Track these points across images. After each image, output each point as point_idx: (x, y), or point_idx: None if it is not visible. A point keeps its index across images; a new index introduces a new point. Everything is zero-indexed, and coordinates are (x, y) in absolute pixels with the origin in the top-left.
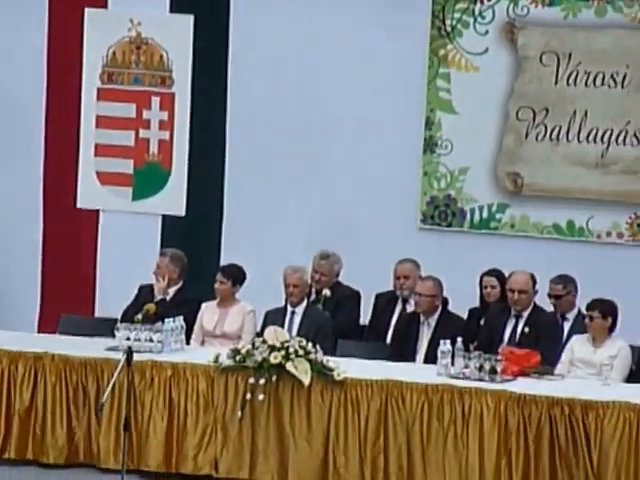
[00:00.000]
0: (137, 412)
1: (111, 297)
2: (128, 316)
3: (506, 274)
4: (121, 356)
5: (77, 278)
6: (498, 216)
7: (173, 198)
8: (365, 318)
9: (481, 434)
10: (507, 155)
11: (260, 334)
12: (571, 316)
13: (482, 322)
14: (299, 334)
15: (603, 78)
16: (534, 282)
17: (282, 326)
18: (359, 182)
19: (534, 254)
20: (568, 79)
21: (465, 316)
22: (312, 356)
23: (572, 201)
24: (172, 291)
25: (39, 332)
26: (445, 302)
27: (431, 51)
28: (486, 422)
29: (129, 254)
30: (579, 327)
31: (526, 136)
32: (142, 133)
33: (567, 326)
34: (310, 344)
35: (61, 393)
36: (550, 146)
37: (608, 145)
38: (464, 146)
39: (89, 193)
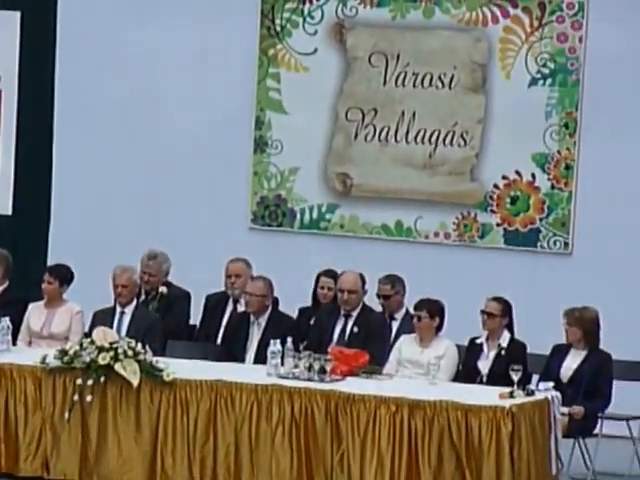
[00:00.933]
0: None
1: None
2: None
3: None
4: None
5: None
6: (328, 216)
7: None
8: (195, 318)
9: (312, 434)
10: (336, 156)
11: (88, 335)
12: (399, 316)
13: (312, 322)
14: (128, 335)
15: (431, 79)
16: (363, 282)
17: (111, 327)
18: (190, 182)
19: (363, 254)
20: (396, 80)
21: (295, 316)
22: (141, 357)
23: (400, 202)
24: None
25: None
26: (275, 302)
27: (261, 51)
28: (317, 422)
29: None
30: (407, 327)
31: (355, 137)
32: None
33: (395, 326)
34: (139, 345)
35: None
36: (379, 147)
37: (436, 146)
38: (294, 146)
39: None
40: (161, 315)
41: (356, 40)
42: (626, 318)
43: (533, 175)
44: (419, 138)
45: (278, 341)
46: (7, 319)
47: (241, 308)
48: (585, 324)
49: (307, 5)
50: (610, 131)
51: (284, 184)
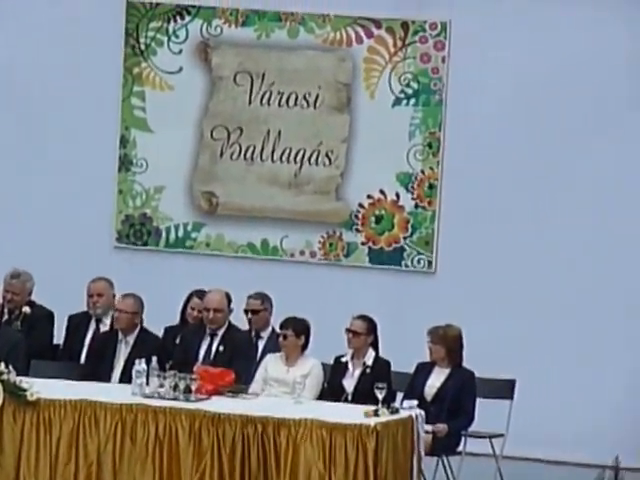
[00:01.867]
0: None
1: None
2: None
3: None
4: None
5: None
6: (194, 235)
7: None
8: (58, 338)
9: (175, 454)
10: (202, 174)
11: None
12: (265, 334)
13: (178, 341)
14: None
15: (296, 98)
16: (229, 301)
17: None
18: (54, 200)
19: (230, 273)
20: (262, 99)
21: (161, 335)
22: (4, 377)
23: (266, 220)
24: None
25: None
26: (141, 321)
27: (125, 69)
28: (181, 441)
29: None
30: (273, 345)
31: (221, 155)
32: None
33: (261, 344)
34: (2, 364)
35: None
36: (245, 165)
37: (301, 165)
38: (159, 165)
39: None
40: (24, 334)
41: (221, 59)
42: (489, 336)
43: (397, 194)
44: (284, 157)
45: (143, 360)
46: None
47: (104, 327)
48: (449, 342)
49: (172, 24)
50: (473, 151)
51: (149, 202)
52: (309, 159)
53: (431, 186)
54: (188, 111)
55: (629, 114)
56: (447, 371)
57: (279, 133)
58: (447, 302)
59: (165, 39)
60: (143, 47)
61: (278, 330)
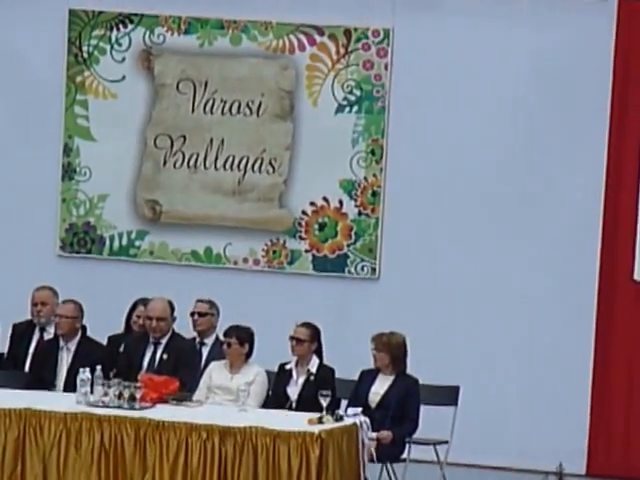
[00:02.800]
0: None
1: None
2: None
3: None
4: None
5: None
6: (137, 243)
7: None
8: (3, 347)
9: (121, 462)
10: (145, 182)
11: None
12: (209, 342)
13: (122, 349)
14: None
15: (239, 106)
16: (172, 309)
17: None
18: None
19: (173, 281)
20: (205, 107)
21: (104, 343)
22: None
23: (210, 228)
24: None
25: None
26: (84, 329)
27: (68, 78)
28: (126, 450)
29: None
30: (217, 353)
31: (164, 163)
32: None
33: (205, 352)
34: None
35: None
36: (188, 174)
37: (245, 173)
38: (103, 173)
39: None
40: None
41: (164, 67)
42: (432, 343)
43: (340, 202)
44: (228, 165)
45: (87, 369)
46: None
47: (48, 336)
48: (393, 349)
49: (114, 32)
50: (416, 158)
51: (93, 211)
52: (252, 167)
53: (374, 193)
54: (131, 119)
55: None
56: (391, 378)
57: (222, 141)
58: (391, 309)
59: (108, 47)
60: (86, 55)
61: (222, 338)
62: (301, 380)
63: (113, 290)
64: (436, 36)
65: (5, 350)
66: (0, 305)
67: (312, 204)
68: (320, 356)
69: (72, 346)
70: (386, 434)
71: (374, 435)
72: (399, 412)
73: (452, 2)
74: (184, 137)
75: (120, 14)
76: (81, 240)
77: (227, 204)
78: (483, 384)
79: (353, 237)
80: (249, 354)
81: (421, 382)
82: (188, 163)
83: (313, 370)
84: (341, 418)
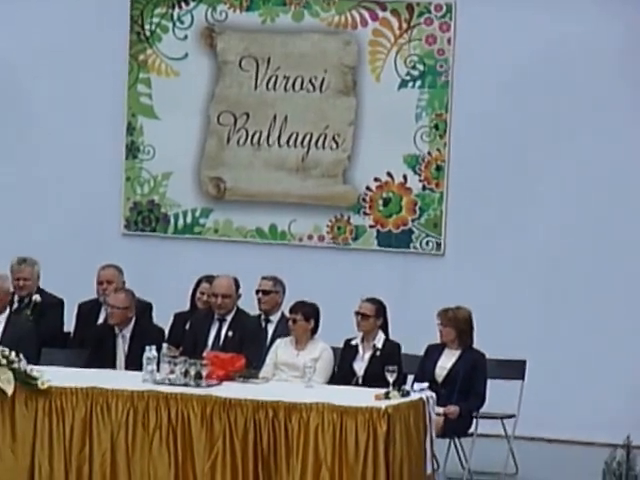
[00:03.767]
0: None
1: None
2: None
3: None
4: None
5: None
6: (202, 221)
7: None
8: (69, 325)
9: (188, 440)
10: (209, 160)
11: None
12: (275, 319)
13: (187, 326)
14: (1, 343)
15: (302, 82)
16: (237, 286)
17: None
18: (62, 188)
19: (238, 258)
20: (267, 84)
21: (170, 321)
22: (15, 365)
23: (274, 205)
24: None
25: None
26: (149, 307)
27: (131, 56)
28: (193, 428)
29: None
30: (282, 330)
31: (228, 141)
32: None
33: (271, 329)
34: (13, 353)
35: None
36: (252, 151)
37: (308, 149)
38: (167, 151)
39: None
40: (34, 323)
41: (226, 44)
42: (498, 317)
43: (405, 177)
44: (291, 141)
45: (154, 347)
46: None
47: None
48: (458, 324)
49: (177, 10)
50: (479, 131)
51: (157, 189)
52: (316, 143)
53: (438, 168)
54: (194, 97)
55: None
56: (457, 353)
57: (285, 118)
58: (456, 284)
59: (170, 25)
60: (148, 34)
61: (287, 314)
62: (367, 356)
63: (178, 268)
64: (498, 10)
65: (71, 329)
66: (66, 284)
67: (376, 180)
68: (386, 331)
69: (127, 333)
70: (453, 409)
71: (441, 410)
72: (466, 387)
73: None
74: (247, 114)
75: None
76: (145, 218)
77: (291, 181)
78: (549, 357)
79: (417, 212)
80: (315, 330)
81: (487, 356)
82: (252, 140)
83: (379, 345)
84: (408, 393)
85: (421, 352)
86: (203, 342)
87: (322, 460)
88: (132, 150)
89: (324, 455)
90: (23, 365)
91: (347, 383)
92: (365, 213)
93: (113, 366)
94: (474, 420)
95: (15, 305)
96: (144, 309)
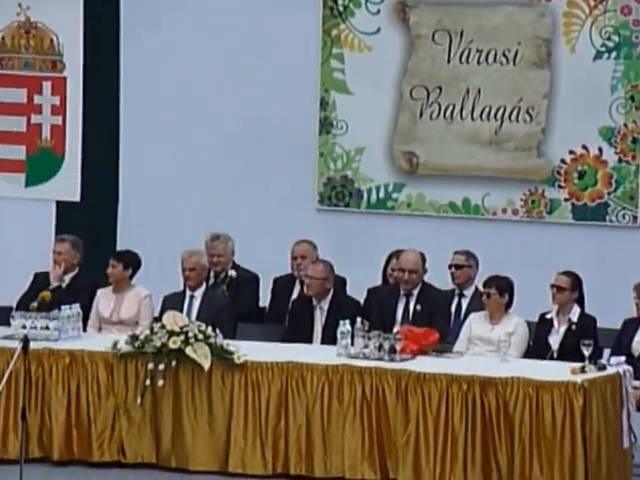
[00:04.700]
0: (36, 401)
1: (6, 285)
2: (23, 304)
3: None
4: (17, 344)
5: None
6: (395, 195)
7: (67, 183)
8: (264, 300)
9: (383, 414)
10: (402, 134)
11: (158, 319)
12: (468, 293)
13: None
14: (198, 318)
15: (495, 55)
16: (424, 261)
17: (181, 311)
18: (256, 164)
19: (431, 233)
20: (460, 57)
21: (364, 296)
22: (212, 340)
23: (467, 179)
24: (68, 278)
25: None
26: (343, 282)
27: (324, 32)
28: (388, 402)
29: (24, 241)
30: (476, 304)
31: (420, 115)
32: (34, 119)
33: (465, 303)
34: (209, 328)
35: None
36: (444, 124)
37: (501, 122)
38: (359, 126)
39: None
40: (230, 298)
41: (419, 18)
42: None
43: (600, 149)
44: (484, 115)
45: (347, 321)
46: (77, 306)
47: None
48: None
49: None
50: None
51: (350, 164)
52: (509, 116)
53: (634, 140)
54: (387, 71)
55: None
56: None
57: (479, 91)
58: None
59: (363, 0)
60: (341, 9)
61: (481, 289)
62: (562, 329)
63: (370, 243)
64: None
65: (266, 304)
66: (261, 259)
67: (571, 152)
68: (582, 305)
69: (325, 305)
70: None
71: (638, 384)
72: None
73: None
74: (440, 88)
75: None
76: (339, 194)
77: (484, 154)
78: None
79: (613, 185)
80: (509, 304)
81: None
82: (444, 114)
83: (574, 319)
84: (604, 367)
85: (617, 326)
86: (392, 317)
87: (518, 434)
88: (325, 125)
89: (520, 429)
90: (219, 340)
91: (542, 357)
92: (560, 186)
93: (310, 339)
94: None
95: (211, 281)
96: (339, 284)
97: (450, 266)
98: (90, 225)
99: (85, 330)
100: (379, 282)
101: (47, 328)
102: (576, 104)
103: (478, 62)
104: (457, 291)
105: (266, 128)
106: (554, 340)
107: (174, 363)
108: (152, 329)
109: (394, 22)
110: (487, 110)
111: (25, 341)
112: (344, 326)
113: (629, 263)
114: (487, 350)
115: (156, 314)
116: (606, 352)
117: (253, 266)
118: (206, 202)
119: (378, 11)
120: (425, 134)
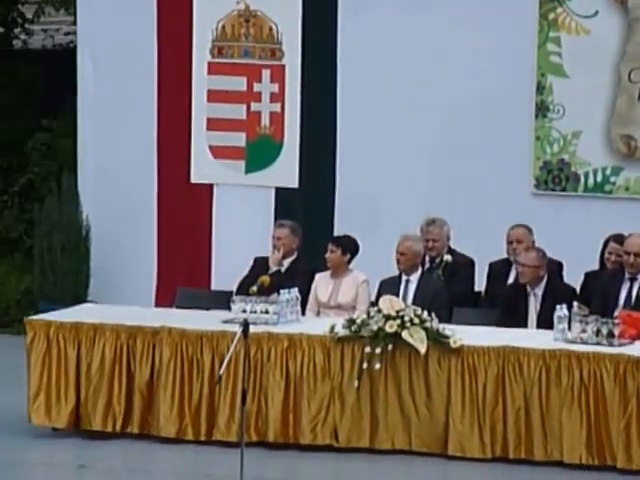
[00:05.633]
0: (254, 384)
1: (226, 270)
2: (243, 288)
3: None
4: (237, 328)
5: (193, 251)
6: (612, 179)
7: (286, 170)
8: (479, 285)
9: (601, 398)
10: (620, 118)
11: (375, 303)
12: None
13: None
14: (414, 302)
15: None
16: None
17: (397, 295)
18: (472, 148)
19: None
20: None
21: (581, 280)
22: (427, 324)
23: None
24: (287, 263)
25: (156, 306)
26: (560, 266)
27: (541, 15)
28: (606, 386)
29: (243, 227)
30: None
31: (639, 98)
32: (253, 106)
33: None
34: (425, 312)
35: (175, 367)
36: None
37: None
38: (576, 110)
39: (203, 167)
40: (446, 282)
41: (638, 0)
42: None
43: None
44: None
45: (564, 306)
46: (296, 290)
47: None
48: None
49: None
50: None
51: (567, 148)
52: None
53: None
54: (604, 54)
55: None
56: None
57: None
58: None
59: None
60: None
61: None
62: None
63: (587, 227)
64: None
65: (482, 288)
66: (476, 243)
67: None
68: None
69: (539, 291)
70: None
71: None
72: None
73: None
74: None
75: None
76: (555, 178)
77: None
78: None
79: None
80: None
81: None
82: None
83: None
84: None
85: None
86: (614, 301)
87: None
88: (542, 109)
89: None
90: (435, 324)
91: None
92: None
93: (524, 325)
94: None
95: (427, 265)
96: (555, 268)
97: None
98: (308, 211)
99: (304, 314)
100: (596, 266)
101: (266, 312)
102: None
103: None
104: None
105: (482, 112)
106: None
107: (390, 347)
108: (369, 313)
109: (612, 5)
110: None
111: (245, 325)
112: (561, 310)
113: None
114: None
115: (372, 298)
116: None
117: (469, 250)
118: (423, 187)
119: None
120: None
